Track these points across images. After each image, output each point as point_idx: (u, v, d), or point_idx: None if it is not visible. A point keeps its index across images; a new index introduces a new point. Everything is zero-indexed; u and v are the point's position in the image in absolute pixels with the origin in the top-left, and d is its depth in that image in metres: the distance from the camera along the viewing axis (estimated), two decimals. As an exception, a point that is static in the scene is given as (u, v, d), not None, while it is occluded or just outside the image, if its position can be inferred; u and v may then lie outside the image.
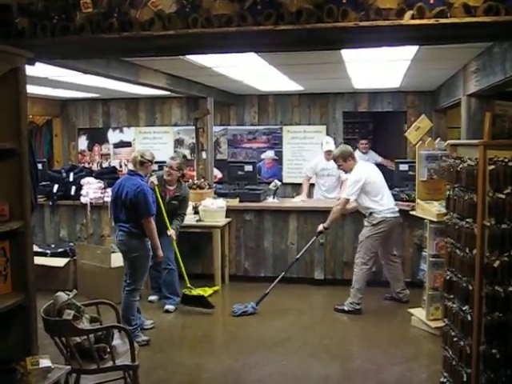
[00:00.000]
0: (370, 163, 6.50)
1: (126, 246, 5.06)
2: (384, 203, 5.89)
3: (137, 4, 2.93)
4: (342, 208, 5.93)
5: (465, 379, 3.35)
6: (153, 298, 6.33)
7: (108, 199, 7.23)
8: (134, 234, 5.01)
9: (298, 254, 6.36)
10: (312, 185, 8.07)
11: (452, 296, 3.60)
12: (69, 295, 3.45)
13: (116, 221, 5.20)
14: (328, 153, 7.41)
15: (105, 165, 9.94)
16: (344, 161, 5.98)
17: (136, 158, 5.16)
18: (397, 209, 6.02)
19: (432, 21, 2.64)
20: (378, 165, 9.36)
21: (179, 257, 6.02)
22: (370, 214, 5.89)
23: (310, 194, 8.07)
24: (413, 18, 2.65)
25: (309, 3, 2.74)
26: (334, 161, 6.13)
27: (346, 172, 6.15)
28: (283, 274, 6.13)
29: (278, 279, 6.07)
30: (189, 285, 6.01)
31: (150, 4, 2.91)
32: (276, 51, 4.33)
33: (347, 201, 5.89)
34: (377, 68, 6.09)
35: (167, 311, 5.94)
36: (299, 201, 7.50)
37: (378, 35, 2.98)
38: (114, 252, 6.16)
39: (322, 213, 6.88)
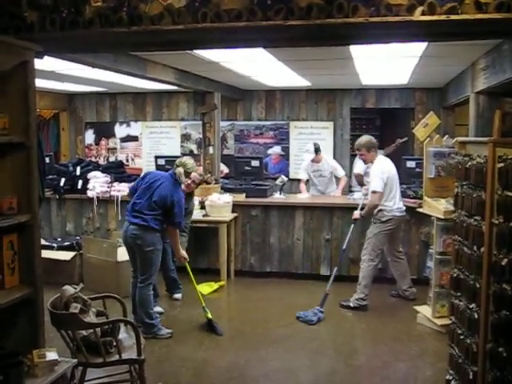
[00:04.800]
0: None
1: (141, 239, 4.93)
2: (395, 201, 5.88)
3: (146, -2, 2.92)
4: (378, 202, 5.80)
5: (471, 377, 3.33)
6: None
7: (114, 193, 7.27)
8: (150, 228, 4.92)
9: (343, 245, 6.15)
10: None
11: (459, 294, 3.58)
12: (75, 289, 3.46)
13: (135, 206, 5.00)
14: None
15: (111, 159, 9.97)
16: (367, 151, 5.97)
17: (180, 171, 5.13)
18: (404, 207, 6.02)
19: (443, 17, 2.62)
20: (389, 156, 9.38)
21: None
22: (380, 210, 5.87)
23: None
24: (423, 14, 2.64)
25: (319, -2, 2.72)
26: (357, 150, 6.09)
27: (366, 162, 6.12)
28: (335, 270, 5.98)
29: (332, 277, 5.91)
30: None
31: (159, -2, 2.90)
32: (285, 46, 4.30)
33: (380, 194, 5.77)
34: (385, 64, 6.05)
35: (177, 300, 6.25)
36: (305, 197, 7.47)
37: (388, 31, 2.97)
38: (120, 246, 6.18)
39: (329, 209, 6.91)
